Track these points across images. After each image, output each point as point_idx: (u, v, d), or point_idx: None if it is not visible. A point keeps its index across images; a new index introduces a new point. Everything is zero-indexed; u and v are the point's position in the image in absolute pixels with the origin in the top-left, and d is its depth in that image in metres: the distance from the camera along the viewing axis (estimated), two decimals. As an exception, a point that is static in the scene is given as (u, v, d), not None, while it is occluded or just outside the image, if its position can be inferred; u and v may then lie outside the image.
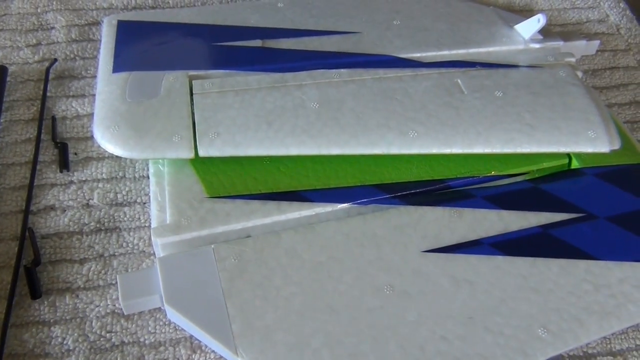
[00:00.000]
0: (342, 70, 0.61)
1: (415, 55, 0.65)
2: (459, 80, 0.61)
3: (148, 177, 0.56)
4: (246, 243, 0.49)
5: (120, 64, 0.60)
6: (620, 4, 0.80)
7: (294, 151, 0.54)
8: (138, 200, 0.55)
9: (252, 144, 0.53)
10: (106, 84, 0.58)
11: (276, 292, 0.47)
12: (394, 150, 0.54)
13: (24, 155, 0.57)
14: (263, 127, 0.54)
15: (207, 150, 0.53)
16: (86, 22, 0.70)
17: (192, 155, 0.52)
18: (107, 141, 0.53)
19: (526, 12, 0.79)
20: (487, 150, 0.55)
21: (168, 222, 0.50)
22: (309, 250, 0.49)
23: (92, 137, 0.59)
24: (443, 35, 0.67)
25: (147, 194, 0.55)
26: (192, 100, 0.56)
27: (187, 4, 0.74)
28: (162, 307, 0.47)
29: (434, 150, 0.55)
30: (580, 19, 0.79)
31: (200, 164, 0.54)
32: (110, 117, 0.54)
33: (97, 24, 0.70)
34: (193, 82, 0.58)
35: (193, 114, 0.55)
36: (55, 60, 0.64)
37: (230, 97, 0.57)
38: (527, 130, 0.56)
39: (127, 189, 0.55)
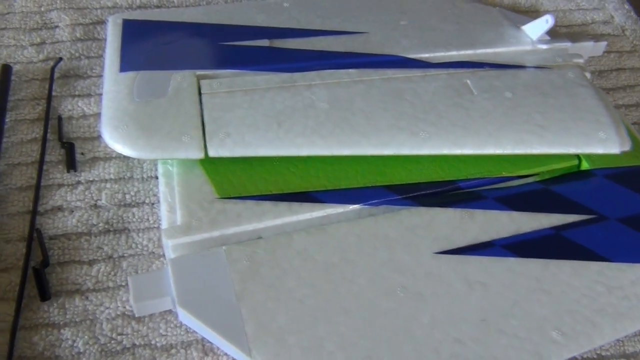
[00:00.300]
0: (350, 70, 0.61)
1: (423, 55, 0.64)
2: (468, 81, 0.60)
3: (156, 178, 0.56)
4: (258, 244, 0.49)
5: (127, 63, 0.59)
6: (625, 6, 0.80)
7: (305, 152, 0.53)
8: (147, 201, 0.54)
9: (263, 144, 0.53)
10: (113, 84, 0.57)
11: (289, 294, 0.46)
12: (405, 151, 0.54)
13: (30, 155, 0.56)
14: (273, 128, 0.54)
15: (217, 150, 0.52)
16: (91, 21, 0.69)
17: (202, 155, 0.52)
18: (115, 141, 0.52)
19: (532, 13, 0.79)
20: (498, 151, 0.55)
21: (178, 223, 0.49)
22: (321, 251, 0.49)
23: (99, 137, 0.58)
24: (450, 36, 0.67)
25: (155, 195, 0.55)
26: (200, 100, 0.56)
27: (192, 4, 0.73)
28: (174, 309, 0.46)
29: (445, 151, 0.54)
30: (586, 20, 0.79)
31: (209, 164, 0.53)
32: (119, 117, 0.54)
33: (102, 22, 0.69)
34: (201, 81, 0.58)
35: (202, 114, 0.54)
36: (61, 59, 0.64)
37: (239, 97, 0.57)
38: (538, 132, 0.56)
39: (135, 189, 0.55)
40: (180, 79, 0.58)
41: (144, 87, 0.57)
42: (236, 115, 0.55)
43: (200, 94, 0.56)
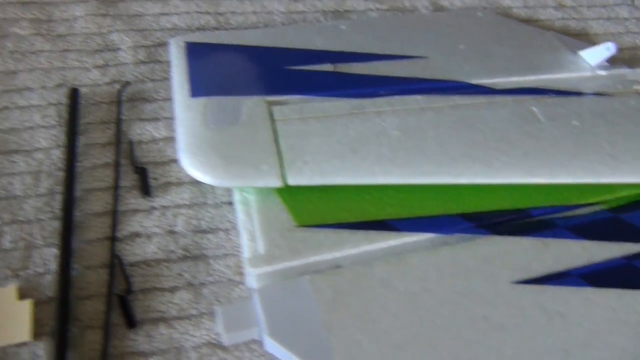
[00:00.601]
0: (417, 96, 0.61)
1: (486, 81, 0.65)
2: (534, 108, 0.61)
3: (229, 204, 0.56)
4: (340, 274, 0.49)
5: (197, 88, 0.60)
6: (674, 29, 0.81)
7: (381, 180, 0.54)
8: (221, 227, 0.55)
9: (340, 172, 0.53)
10: (186, 109, 0.58)
11: (375, 324, 0.47)
12: (480, 180, 0.55)
13: (104, 181, 0.57)
14: (349, 156, 0.54)
15: (296, 178, 0.53)
16: (152, 43, 0.70)
17: (281, 183, 0.52)
18: (195, 169, 0.53)
19: (582, 37, 0.79)
20: (571, 180, 0.55)
21: (261, 251, 0.50)
22: (402, 281, 0.49)
23: (169, 161, 0.59)
24: (510, 61, 0.68)
25: (229, 221, 0.55)
26: (274, 127, 0.56)
27: (249, 25, 0.74)
28: (259, 339, 0.47)
29: (519, 180, 0.55)
30: (635, 44, 0.79)
31: (285, 192, 0.54)
32: (196, 144, 0.54)
33: (163, 45, 0.69)
34: (273, 108, 0.58)
35: (277, 141, 0.55)
36: (128, 83, 0.64)
37: (312, 124, 0.57)
38: (608, 161, 0.56)
39: (209, 215, 0.55)
40: (252, 105, 0.58)
41: (217, 113, 0.57)
42: (311, 143, 0.55)
43: (273, 120, 0.57)
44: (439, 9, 0.81)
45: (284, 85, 0.62)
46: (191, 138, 0.55)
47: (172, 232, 0.54)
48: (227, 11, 0.75)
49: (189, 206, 0.56)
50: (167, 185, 0.57)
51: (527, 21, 0.81)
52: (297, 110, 0.58)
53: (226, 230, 0.55)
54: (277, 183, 0.52)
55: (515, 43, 0.71)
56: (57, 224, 0.53)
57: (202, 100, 0.59)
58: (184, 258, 0.53)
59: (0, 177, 0.56)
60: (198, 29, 0.73)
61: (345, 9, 0.79)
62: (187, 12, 0.74)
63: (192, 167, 0.53)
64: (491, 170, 0.55)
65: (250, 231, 0.52)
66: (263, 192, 0.54)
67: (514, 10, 0.83)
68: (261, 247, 0.50)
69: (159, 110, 0.63)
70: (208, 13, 0.75)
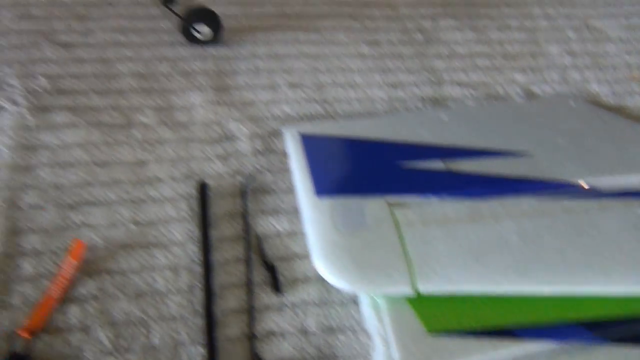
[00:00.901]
0: (530, 199, 0.65)
1: (590, 179, 0.68)
2: (642, 213, 0.64)
3: (354, 302, 0.59)
4: (472, 385, 0.52)
5: (320, 187, 0.64)
6: None
7: (505, 289, 0.57)
8: (348, 326, 0.58)
9: (466, 281, 0.57)
10: (313, 210, 0.62)
11: None
12: (599, 289, 0.57)
13: (236, 275, 0.60)
14: (472, 264, 0.58)
15: (426, 287, 0.56)
16: (266, 132, 0.74)
17: (413, 292, 0.55)
18: (331, 274, 0.57)
19: (670, 126, 0.82)
20: (685, 290, 0.58)
21: (396, 358, 0.53)
22: (529, 392, 0.52)
23: (294, 256, 0.62)
24: (610, 158, 0.71)
25: (355, 320, 0.58)
26: (399, 231, 0.60)
27: (354, 111, 0.78)
28: None
29: (636, 289, 0.57)
30: None
31: (414, 297, 0.57)
32: (329, 249, 0.58)
33: (276, 134, 0.73)
34: (395, 212, 0.62)
35: (404, 247, 0.58)
36: (253, 177, 0.68)
37: (434, 229, 0.60)
38: None
39: (336, 313, 0.59)
40: (374, 207, 0.62)
41: (343, 215, 0.61)
42: (437, 250, 0.58)
43: (397, 224, 0.60)
44: (530, 95, 0.84)
45: (401, 184, 0.65)
46: (323, 242, 0.59)
47: (304, 331, 0.58)
48: (333, 99, 0.79)
49: (317, 304, 0.59)
50: (295, 281, 0.61)
51: (616, 109, 0.84)
52: (418, 213, 0.62)
53: (353, 330, 0.58)
54: (409, 291, 0.56)
55: (613, 138, 0.74)
56: (199, 321, 0.57)
57: (327, 201, 0.62)
58: (318, 358, 0.56)
59: (143, 272, 0.60)
60: (306, 115, 0.77)
61: (442, 96, 0.82)
62: (296, 100, 0.78)
63: (328, 273, 0.57)
64: (608, 279, 0.58)
65: (383, 337, 0.55)
66: (394, 297, 0.57)
67: (602, 98, 0.85)
68: (395, 354, 0.53)
69: (278, 202, 0.67)
70: (315, 101, 0.79)
